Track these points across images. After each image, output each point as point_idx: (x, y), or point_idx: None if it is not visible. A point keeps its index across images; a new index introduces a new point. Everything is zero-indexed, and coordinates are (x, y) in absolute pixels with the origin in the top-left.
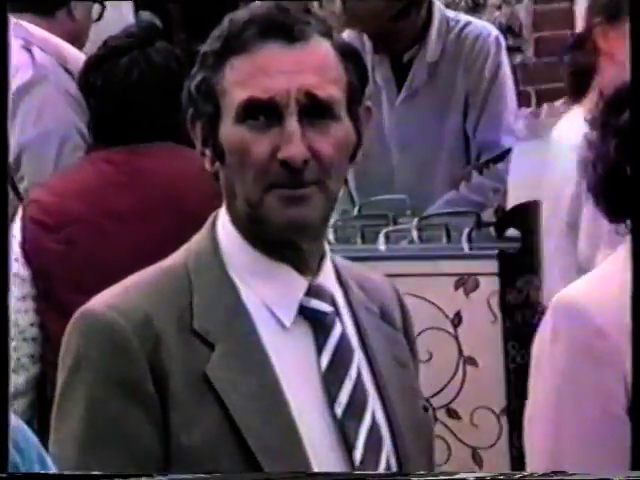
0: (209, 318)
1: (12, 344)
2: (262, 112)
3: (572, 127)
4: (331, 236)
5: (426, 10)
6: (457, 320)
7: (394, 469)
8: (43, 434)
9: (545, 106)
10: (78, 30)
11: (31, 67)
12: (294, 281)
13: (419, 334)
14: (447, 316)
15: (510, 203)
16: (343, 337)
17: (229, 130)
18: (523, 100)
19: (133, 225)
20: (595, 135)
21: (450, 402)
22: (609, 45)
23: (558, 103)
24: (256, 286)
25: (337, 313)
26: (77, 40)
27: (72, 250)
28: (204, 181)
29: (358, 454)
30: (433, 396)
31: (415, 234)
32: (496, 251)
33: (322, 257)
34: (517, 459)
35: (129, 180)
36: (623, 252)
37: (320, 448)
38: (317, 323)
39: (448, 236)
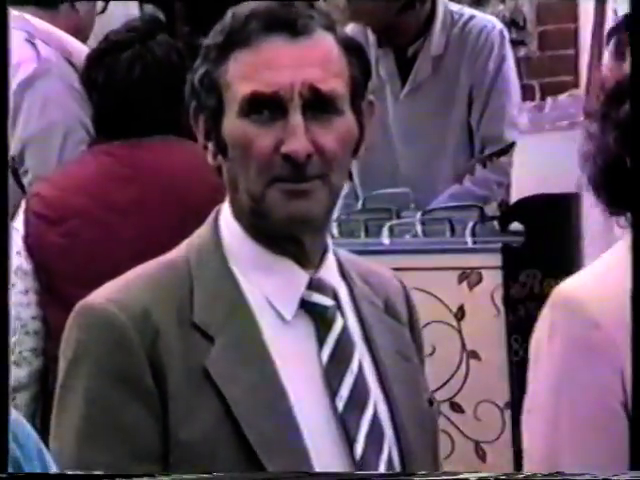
0: (209, 312)
1: (14, 337)
2: (266, 106)
3: None
4: (335, 230)
5: (430, 3)
6: (460, 314)
7: (397, 463)
8: (46, 427)
9: (549, 99)
10: (82, 23)
11: (35, 61)
12: (295, 275)
13: (422, 328)
14: (450, 310)
15: (514, 197)
16: (344, 331)
17: (232, 124)
18: (527, 93)
19: (135, 219)
20: (595, 127)
21: (453, 396)
22: None
23: (562, 96)
24: (257, 280)
25: (339, 307)
26: (81, 33)
27: (74, 244)
28: (206, 175)
29: (359, 448)
30: (436, 390)
31: (419, 228)
32: (500, 245)
33: (324, 251)
34: (520, 453)
35: (131, 174)
36: (623, 245)
37: (321, 442)
38: (318, 317)
39: (452, 230)
